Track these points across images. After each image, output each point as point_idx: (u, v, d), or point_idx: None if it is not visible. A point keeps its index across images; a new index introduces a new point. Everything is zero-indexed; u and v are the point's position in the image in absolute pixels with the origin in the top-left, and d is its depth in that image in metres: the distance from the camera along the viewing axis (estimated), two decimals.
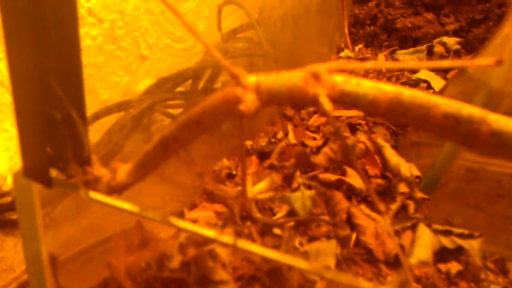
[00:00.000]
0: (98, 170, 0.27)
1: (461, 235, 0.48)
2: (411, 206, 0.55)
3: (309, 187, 0.57)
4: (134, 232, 0.38)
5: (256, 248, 0.24)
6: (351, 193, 0.57)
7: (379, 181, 0.60)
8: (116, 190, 0.27)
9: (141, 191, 0.30)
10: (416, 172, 0.58)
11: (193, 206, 0.55)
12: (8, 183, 0.43)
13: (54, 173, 0.27)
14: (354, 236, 0.50)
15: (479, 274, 0.46)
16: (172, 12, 0.23)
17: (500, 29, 0.60)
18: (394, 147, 0.67)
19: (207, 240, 0.35)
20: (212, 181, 0.59)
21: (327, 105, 0.21)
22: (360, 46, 1.22)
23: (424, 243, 0.48)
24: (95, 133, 0.52)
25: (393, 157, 0.62)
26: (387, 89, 0.21)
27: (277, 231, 0.51)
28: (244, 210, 0.52)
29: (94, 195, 0.27)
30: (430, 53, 1.10)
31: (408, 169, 0.59)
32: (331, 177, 0.59)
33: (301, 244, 0.50)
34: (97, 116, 0.51)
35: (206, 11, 0.72)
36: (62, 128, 0.26)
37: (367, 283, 0.21)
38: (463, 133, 0.21)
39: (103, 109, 0.52)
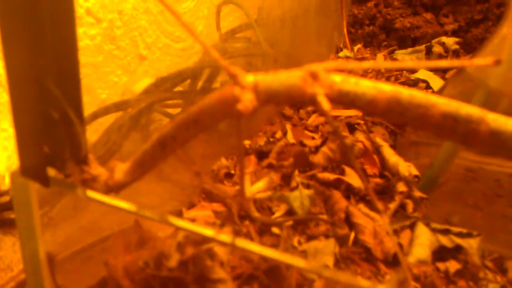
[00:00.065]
0: (96, 169, 0.27)
1: (459, 234, 0.49)
2: (410, 205, 0.55)
3: (307, 186, 0.57)
4: (132, 231, 0.38)
5: (255, 247, 0.24)
6: (349, 192, 0.57)
7: (378, 180, 0.60)
8: (113, 189, 0.27)
9: (139, 190, 0.30)
10: (415, 172, 0.58)
11: (191, 205, 0.55)
12: (6, 183, 0.43)
13: (51, 172, 0.27)
14: (352, 235, 0.50)
15: (478, 273, 0.46)
16: (170, 12, 0.23)
17: (499, 29, 0.60)
18: (393, 146, 0.67)
19: (205, 239, 0.35)
20: (210, 180, 0.59)
21: (325, 104, 0.21)
22: (359, 46, 1.22)
23: (422, 242, 0.48)
24: (93, 133, 0.52)
25: (391, 156, 0.62)
26: (386, 89, 0.21)
27: (275, 230, 0.51)
28: (242, 209, 0.52)
29: (91, 194, 0.27)
30: (429, 53, 1.10)
31: (406, 168, 0.59)
32: (330, 176, 0.59)
33: (299, 243, 0.50)
34: (96, 116, 0.51)
35: (205, 11, 0.72)
36: (59, 128, 0.26)
37: (365, 281, 0.21)
38: (462, 132, 0.21)
39: (101, 109, 0.52)
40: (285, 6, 0.87)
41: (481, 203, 0.55)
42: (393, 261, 0.48)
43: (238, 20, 0.79)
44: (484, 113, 0.21)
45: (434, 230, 0.49)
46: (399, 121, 0.22)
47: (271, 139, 0.73)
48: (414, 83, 0.94)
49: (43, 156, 0.26)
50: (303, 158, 0.62)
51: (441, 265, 0.47)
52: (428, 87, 0.92)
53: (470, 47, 1.11)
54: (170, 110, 0.60)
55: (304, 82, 0.22)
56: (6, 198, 0.43)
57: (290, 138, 0.73)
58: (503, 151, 0.22)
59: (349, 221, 0.51)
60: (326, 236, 0.50)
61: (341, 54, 1.17)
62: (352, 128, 0.75)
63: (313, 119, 0.81)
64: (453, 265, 0.47)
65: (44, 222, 0.41)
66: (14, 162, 0.44)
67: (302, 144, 0.71)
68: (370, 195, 0.54)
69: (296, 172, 0.60)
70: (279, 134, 0.75)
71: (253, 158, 0.67)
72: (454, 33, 1.14)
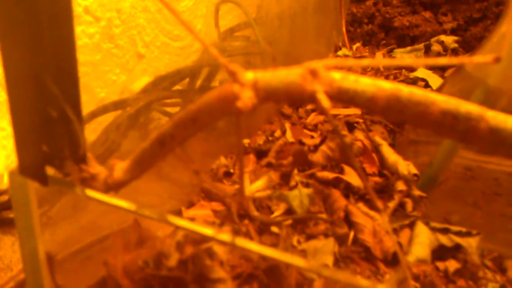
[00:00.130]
0: (94, 167, 0.27)
1: (459, 233, 0.48)
2: (409, 204, 0.55)
3: (306, 185, 0.57)
4: (131, 231, 0.37)
5: (254, 246, 0.23)
6: (348, 191, 0.57)
7: (377, 179, 0.60)
8: (113, 187, 0.27)
9: (138, 189, 0.30)
10: (414, 170, 0.58)
11: (190, 204, 0.55)
12: (5, 182, 0.43)
13: (50, 171, 0.27)
14: (352, 234, 0.50)
15: (477, 272, 0.46)
16: (170, 11, 0.23)
17: (498, 28, 0.60)
18: (392, 145, 0.67)
19: (204, 238, 0.35)
20: (209, 179, 0.59)
21: (324, 102, 0.21)
22: (357, 44, 1.22)
23: (422, 241, 0.48)
24: (92, 132, 0.52)
25: (390, 155, 0.62)
26: (385, 86, 0.21)
27: (274, 229, 0.51)
28: (242, 208, 0.52)
29: (90, 193, 0.27)
30: (428, 52, 1.10)
31: (405, 167, 0.59)
32: (329, 175, 0.58)
33: (298, 242, 0.50)
34: (94, 115, 0.51)
35: (203, 9, 0.72)
36: (58, 126, 0.26)
37: (365, 281, 0.21)
38: (461, 130, 0.21)
39: (100, 108, 0.52)
40: (283, 4, 0.87)
41: (480, 202, 0.55)
42: (392, 260, 0.47)
43: (236, 19, 0.79)
44: (483, 111, 0.21)
45: (434, 229, 0.49)
46: (399, 119, 0.22)
47: (270, 138, 0.73)
48: (413, 82, 0.94)
49: (41, 155, 0.26)
50: (302, 157, 0.62)
51: (440, 264, 0.47)
52: (427, 85, 0.92)
53: (469, 46, 1.11)
54: (168, 109, 0.60)
55: (303, 80, 0.21)
56: (4, 198, 0.43)
57: (289, 137, 0.73)
58: (502, 149, 0.22)
59: (348, 220, 0.51)
60: (326, 235, 0.50)
61: (340, 52, 1.17)
62: (351, 126, 0.75)
63: (312, 118, 0.81)
64: (452, 264, 0.47)
65: (43, 222, 0.41)
66: (12, 161, 0.44)
67: (301, 143, 0.71)
68: (370, 194, 0.54)
69: (295, 171, 0.60)
70: (278, 133, 0.75)
71: (252, 157, 0.67)
72: (453, 32, 1.14)
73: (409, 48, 1.14)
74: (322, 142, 0.65)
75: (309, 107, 0.85)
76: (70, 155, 0.27)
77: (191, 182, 0.56)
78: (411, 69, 0.98)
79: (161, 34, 0.63)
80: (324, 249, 0.47)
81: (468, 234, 0.48)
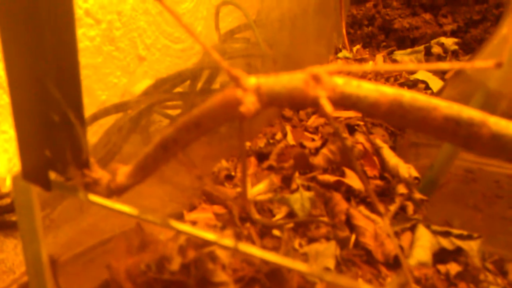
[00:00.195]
0: (97, 172, 0.27)
1: (460, 236, 0.49)
2: (410, 207, 0.55)
3: (308, 188, 0.57)
4: (134, 234, 0.38)
5: (256, 251, 0.24)
6: (350, 194, 0.57)
7: (378, 182, 0.60)
8: (115, 192, 0.27)
9: (140, 192, 0.30)
10: (415, 173, 0.58)
11: (192, 208, 0.55)
12: (7, 185, 0.43)
13: (53, 175, 0.27)
14: (353, 237, 0.50)
15: (478, 275, 0.46)
16: (171, 13, 0.23)
17: (498, 30, 0.60)
18: (393, 148, 0.67)
19: (206, 242, 0.35)
20: (211, 183, 0.59)
21: (327, 107, 0.21)
22: (358, 46, 1.23)
23: (423, 244, 0.48)
24: (93, 135, 0.52)
25: (391, 158, 0.62)
26: (388, 92, 0.21)
27: (276, 232, 0.51)
28: (243, 212, 0.52)
29: (93, 197, 0.27)
30: (428, 54, 1.10)
31: (406, 170, 0.59)
32: (330, 178, 0.59)
33: (300, 245, 0.50)
34: (95, 117, 0.51)
35: (204, 11, 0.72)
36: (61, 131, 0.26)
37: (366, 285, 0.21)
38: (463, 135, 0.21)
39: (101, 110, 0.52)
40: (284, 6, 0.87)
41: (481, 205, 0.55)
42: (394, 263, 0.48)
43: (237, 21, 0.79)
44: (485, 117, 0.21)
45: (435, 232, 0.49)
46: (401, 124, 0.22)
47: (271, 141, 0.73)
48: (413, 84, 0.94)
49: (44, 159, 0.26)
50: (303, 160, 0.62)
51: (441, 267, 0.47)
52: (427, 88, 0.92)
53: (469, 48, 1.11)
54: (170, 112, 0.60)
55: (306, 85, 0.22)
56: (7, 201, 0.43)
57: (290, 139, 0.73)
58: (504, 154, 0.22)
59: (349, 223, 0.51)
60: (327, 239, 0.50)
61: (340, 54, 1.18)
62: (352, 129, 0.75)
63: (313, 121, 0.81)
64: (453, 267, 0.47)
65: (46, 225, 0.41)
66: (15, 164, 0.44)
67: (302, 146, 0.71)
68: (371, 197, 0.54)
69: (297, 174, 0.60)
70: (279, 136, 0.75)
71: (253, 160, 0.67)
72: (453, 34, 1.15)
73: (409, 50, 1.14)
74: (323, 145, 0.65)
75: (310, 109, 0.85)
76: (72, 159, 0.27)
77: (193, 185, 0.56)
78: (412, 71, 0.98)
79: (162, 37, 0.63)
80: (326, 252, 0.48)
81: (469, 237, 0.48)
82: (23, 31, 0.23)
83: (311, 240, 0.50)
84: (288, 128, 0.77)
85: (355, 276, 0.46)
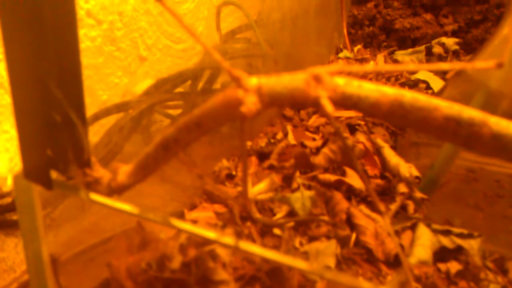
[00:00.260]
0: (98, 171, 0.27)
1: (460, 235, 0.49)
2: (411, 206, 0.55)
3: (308, 188, 0.57)
4: (134, 233, 0.38)
5: (257, 249, 0.24)
6: (350, 193, 0.57)
7: (379, 181, 0.61)
8: (116, 191, 0.27)
9: (142, 191, 0.30)
10: (416, 173, 0.58)
11: (193, 207, 0.55)
12: (8, 184, 0.43)
13: (54, 174, 0.27)
14: (354, 236, 0.50)
15: (479, 274, 0.46)
16: (172, 14, 0.24)
17: (499, 30, 0.60)
18: (393, 147, 0.67)
19: (207, 241, 0.35)
20: (212, 182, 0.59)
21: (328, 107, 0.21)
22: (359, 46, 1.23)
23: (423, 243, 0.48)
24: (94, 134, 0.52)
25: (392, 157, 0.62)
26: (389, 92, 0.21)
27: (277, 231, 0.51)
28: (244, 211, 0.52)
29: (94, 196, 0.27)
30: (429, 54, 1.10)
31: (407, 169, 0.59)
32: (331, 177, 0.59)
33: (301, 244, 0.50)
34: (97, 117, 0.51)
35: (205, 12, 0.72)
36: (62, 130, 0.26)
37: (367, 283, 0.21)
38: (464, 135, 0.21)
39: (102, 110, 0.52)
40: (285, 7, 0.87)
41: (482, 204, 0.55)
42: (394, 262, 0.48)
43: (238, 21, 0.79)
44: (486, 117, 0.21)
45: (435, 231, 0.50)
46: (402, 124, 0.22)
47: (272, 140, 0.73)
48: (414, 84, 0.94)
49: (46, 158, 0.26)
50: (304, 159, 0.62)
51: (442, 266, 0.47)
52: (428, 87, 0.92)
53: (470, 48, 1.11)
54: (171, 111, 0.60)
55: (307, 85, 0.22)
56: (8, 200, 0.43)
57: (291, 139, 0.73)
58: (504, 154, 0.22)
59: (350, 222, 0.52)
60: (328, 237, 0.50)
61: (341, 54, 1.18)
62: (352, 129, 0.75)
63: (314, 120, 0.81)
64: (454, 266, 0.47)
65: (47, 224, 0.42)
66: (16, 163, 0.44)
67: (303, 145, 0.71)
68: (372, 196, 0.55)
69: (297, 173, 0.60)
70: (280, 135, 0.75)
71: (254, 159, 0.67)
72: (454, 34, 1.14)
73: (410, 50, 1.14)
74: (324, 144, 0.65)
75: (311, 109, 0.85)
76: (74, 159, 0.27)
77: (194, 185, 0.56)
78: (412, 71, 0.98)
79: (163, 37, 0.63)
80: (326, 251, 0.48)
81: (469, 236, 0.48)
82: (25, 31, 0.23)
83: (312, 239, 0.50)
84: (289, 127, 0.77)
85: (355, 274, 0.46)
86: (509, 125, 0.21)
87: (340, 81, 0.22)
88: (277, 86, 0.22)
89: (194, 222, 0.50)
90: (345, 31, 1.24)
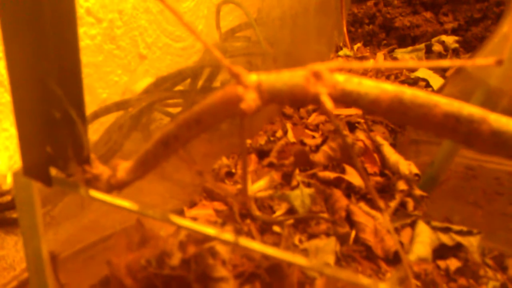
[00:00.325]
0: (97, 168, 0.27)
1: (460, 232, 0.49)
2: (410, 204, 0.55)
3: (308, 185, 0.57)
4: (134, 230, 0.38)
5: (256, 245, 0.24)
6: (350, 191, 0.57)
7: (378, 179, 0.61)
8: (116, 187, 0.27)
9: (141, 189, 0.30)
10: (415, 170, 0.58)
11: (192, 204, 0.55)
12: (8, 182, 0.43)
13: (53, 171, 0.27)
14: (353, 233, 0.50)
15: (478, 271, 0.46)
16: (172, 12, 0.24)
17: (499, 28, 0.60)
18: (393, 145, 0.67)
19: (207, 238, 0.35)
20: (211, 179, 0.59)
21: (328, 104, 0.21)
22: (358, 45, 1.23)
23: (423, 240, 0.48)
24: (94, 132, 0.52)
25: (392, 155, 0.62)
26: (389, 88, 0.21)
27: (276, 228, 0.51)
28: (243, 208, 0.52)
29: (94, 193, 0.27)
30: (429, 52, 1.10)
31: (407, 167, 0.59)
32: (330, 175, 0.59)
33: (300, 241, 0.50)
34: (96, 115, 0.51)
35: (204, 10, 0.72)
36: (62, 127, 0.26)
37: (366, 279, 0.21)
38: (464, 132, 0.21)
39: (102, 108, 0.52)
40: (284, 5, 0.87)
41: (481, 201, 0.55)
42: (393, 259, 0.48)
43: (238, 20, 0.79)
44: (486, 113, 0.21)
45: (435, 228, 0.50)
46: (402, 121, 0.22)
47: (272, 138, 0.73)
48: (414, 82, 0.94)
49: (45, 155, 0.27)
50: (304, 157, 0.62)
51: (441, 263, 0.47)
52: (428, 85, 0.92)
53: (470, 46, 1.11)
54: (170, 110, 0.60)
55: (307, 82, 0.22)
56: (8, 198, 0.43)
57: (291, 137, 0.73)
58: (504, 151, 0.22)
59: (349, 220, 0.52)
60: (327, 235, 0.50)
61: (341, 53, 1.18)
62: (352, 127, 0.75)
63: (314, 118, 0.81)
64: (453, 263, 0.47)
65: (46, 221, 0.42)
66: (15, 161, 0.44)
67: (302, 143, 0.71)
68: (371, 193, 0.55)
69: (297, 171, 0.60)
70: (279, 133, 0.75)
71: (253, 157, 0.67)
72: (453, 32, 1.14)
73: (410, 48, 1.14)
74: (324, 142, 0.65)
75: (311, 107, 0.85)
76: (73, 156, 0.27)
77: (193, 182, 0.56)
78: (412, 69, 0.99)
79: (163, 35, 0.63)
80: (326, 248, 0.48)
81: (469, 233, 0.48)
82: (25, 29, 0.23)
83: (311, 236, 0.50)
84: (288, 125, 0.77)
85: (355, 271, 0.46)
86: (508, 122, 0.21)
87: (340, 77, 0.22)
88: (277, 82, 0.22)
89: (194, 219, 0.51)
90: (345, 29, 1.24)
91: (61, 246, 0.41)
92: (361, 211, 0.52)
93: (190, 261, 0.34)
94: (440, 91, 0.72)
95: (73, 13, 0.25)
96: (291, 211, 0.54)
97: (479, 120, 0.21)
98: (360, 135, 0.69)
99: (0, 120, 0.43)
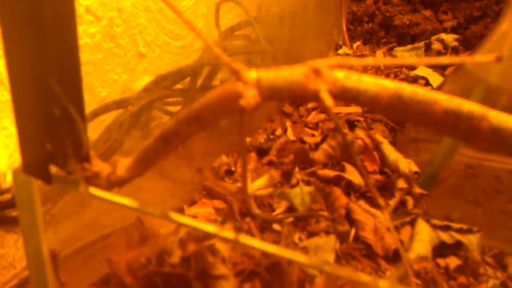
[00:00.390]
0: (97, 165, 0.27)
1: (459, 230, 0.49)
2: (410, 202, 0.55)
3: (308, 183, 0.57)
4: (134, 228, 0.38)
5: (256, 243, 0.24)
6: (349, 189, 0.57)
7: (378, 177, 0.61)
8: (116, 184, 0.27)
9: (141, 187, 0.30)
10: (415, 168, 0.58)
11: (192, 203, 0.55)
12: (8, 181, 0.43)
13: (53, 169, 0.27)
14: (353, 231, 0.50)
15: (478, 269, 0.46)
16: (171, 9, 0.24)
17: (498, 26, 0.60)
18: (393, 143, 0.67)
19: (207, 236, 0.35)
20: (211, 176, 0.59)
21: (328, 100, 0.21)
22: (358, 43, 1.22)
23: (423, 238, 0.48)
24: (94, 131, 0.52)
25: (391, 153, 0.62)
26: (388, 85, 0.21)
27: (276, 227, 0.51)
28: (243, 206, 0.52)
29: (93, 190, 0.27)
30: (428, 50, 1.10)
31: (406, 165, 0.59)
32: (330, 173, 0.59)
33: (300, 239, 0.50)
34: (96, 114, 0.51)
35: (204, 8, 0.72)
36: (61, 125, 0.26)
37: (366, 277, 0.21)
38: (463, 129, 0.21)
39: (101, 107, 0.52)
40: (284, 3, 0.87)
41: (481, 199, 0.55)
42: (393, 257, 0.48)
43: (237, 18, 0.79)
44: (485, 110, 0.21)
45: (435, 226, 0.50)
46: (401, 117, 0.22)
47: (271, 136, 0.73)
48: (413, 80, 0.94)
49: (45, 153, 0.26)
50: (303, 155, 0.62)
51: (441, 261, 0.47)
52: (427, 84, 0.92)
53: (469, 44, 1.11)
54: (170, 108, 0.60)
55: (307, 78, 0.22)
56: (7, 196, 0.43)
57: (290, 135, 0.73)
58: (503, 148, 0.22)
59: (349, 218, 0.52)
60: (327, 233, 0.50)
61: (340, 51, 1.17)
62: (352, 125, 0.75)
63: (313, 116, 0.81)
64: (453, 261, 0.47)
65: (46, 220, 0.42)
66: (15, 160, 0.44)
67: (302, 141, 0.71)
68: (371, 191, 0.55)
69: (297, 169, 0.60)
70: (279, 131, 0.75)
71: (253, 155, 0.67)
72: (453, 30, 1.14)
73: (409, 46, 1.14)
74: (323, 140, 0.65)
75: (310, 105, 0.85)
76: (73, 153, 0.27)
77: (193, 180, 0.56)
78: (412, 68, 0.99)
79: (162, 33, 0.63)
80: (326, 246, 0.48)
81: (468, 231, 0.48)
82: (25, 27, 0.23)
83: (311, 234, 0.50)
84: (288, 123, 0.77)
85: (354, 269, 0.46)
86: (508, 119, 0.21)
87: (340, 74, 0.22)
88: (276, 79, 0.22)
89: (194, 217, 0.50)
90: (344, 27, 1.24)
91: (61, 244, 0.41)
92: (360, 209, 0.52)
93: (190, 259, 0.34)
94: (439, 89, 0.72)
95: (73, 11, 0.25)
96: (290, 209, 0.54)
97: (478, 117, 0.21)
98: (360, 133, 0.69)
99: (0, 118, 0.43)
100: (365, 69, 0.96)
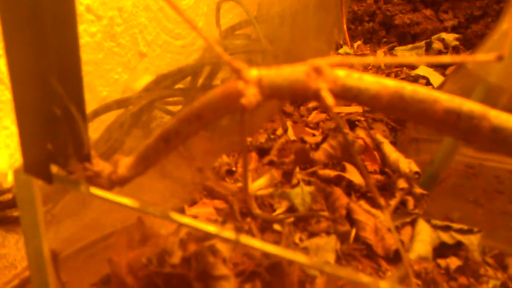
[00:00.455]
0: (98, 164, 0.27)
1: (460, 231, 0.49)
2: (410, 202, 0.55)
3: (308, 183, 0.57)
4: (135, 229, 0.38)
5: (257, 243, 0.24)
6: (350, 189, 0.57)
7: (378, 177, 0.61)
8: (117, 183, 0.27)
9: (141, 187, 0.30)
10: (415, 168, 0.58)
11: (193, 203, 0.55)
12: (9, 180, 0.43)
13: (54, 169, 0.27)
14: (353, 231, 0.50)
15: (479, 269, 0.46)
16: (172, 8, 0.24)
17: (499, 25, 0.60)
18: (393, 143, 0.67)
19: (207, 236, 0.35)
20: (212, 175, 0.59)
21: (328, 99, 0.21)
22: (358, 42, 1.22)
23: (423, 239, 0.48)
24: (95, 130, 0.52)
25: (392, 153, 0.62)
26: (389, 84, 0.21)
27: (277, 227, 0.51)
28: (244, 206, 0.52)
29: (94, 190, 0.27)
30: (429, 50, 1.10)
31: (407, 165, 0.59)
32: (331, 173, 0.59)
33: (301, 240, 0.50)
34: (97, 113, 0.51)
35: (204, 8, 0.72)
36: (62, 125, 0.26)
37: (367, 277, 0.21)
38: (464, 128, 0.21)
39: (102, 106, 0.52)
40: (284, 2, 0.87)
41: (481, 200, 0.55)
42: (394, 258, 0.48)
43: (237, 17, 0.79)
44: (486, 110, 0.21)
45: (435, 227, 0.50)
46: (402, 117, 0.22)
47: (272, 136, 0.73)
48: (414, 80, 0.94)
49: (46, 153, 0.26)
50: (304, 155, 0.62)
51: (442, 262, 0.47)
52: (428, 83, 0.92)
53: (470, 43, 1.11)
54: (171, 107, 0.60)
55: (308, 77, 0.22)
56: (9, 196, 0.43)
57: (291, 135, 0.73)
58: (504, 148, 0.22)
59: (350, 218, 0.52)
60: (328, 233, 0.50)
61: (341, 50, 1.17)
62: (352, 125, 0.75)
63: (314, 116, 0.81)
64: (453, 262, 0.47)
65: (47, 220, 0.42)
66: (16, 159, 0.44)
67: (302, 141, 0.71)
68: (372, 191, 0.55)
69: (297, 169, 0.60)
70: (280, 131, 0.75)
71: (254, 155, 0.67)
72: (453, 29, 1.14)
73: (410, 46, 1.13)
74: (324, 140, 0.65)
75: (311, 105, 0.85)
76: (74, 153, 0.27)
77: (194, 180, 0.56)
78: (412, 67, 0.98)
79: (163, 33, 0.63)
80: (326, 246, 0.48)
81: (469, 232, 0.48)
82: (25, 27, 0.23)
83: (312, 235, 0.50)
84: (289, 123, 0.77)
85: (355, 270, 0.46)
86: (509, 118, 0.21)
87: (341, 73, 0.22)
88: (277, 78, 0.22)
89: (194, 217, 0.50)
90: (345, 27, 1.24)
91: (62, 245, 0.41)
92: (361, 209, 0.52)
93: (191, 259, 0.34)
94: (440, 88, 0.72)
95: (73, 10, 0.25)
96: (291, 209, 0.54)
97: (479, 116, 0.21)
98: (361, 133, 0.69)
99: (1, 118, 0.43)
100: (365, 68, 0.96)
